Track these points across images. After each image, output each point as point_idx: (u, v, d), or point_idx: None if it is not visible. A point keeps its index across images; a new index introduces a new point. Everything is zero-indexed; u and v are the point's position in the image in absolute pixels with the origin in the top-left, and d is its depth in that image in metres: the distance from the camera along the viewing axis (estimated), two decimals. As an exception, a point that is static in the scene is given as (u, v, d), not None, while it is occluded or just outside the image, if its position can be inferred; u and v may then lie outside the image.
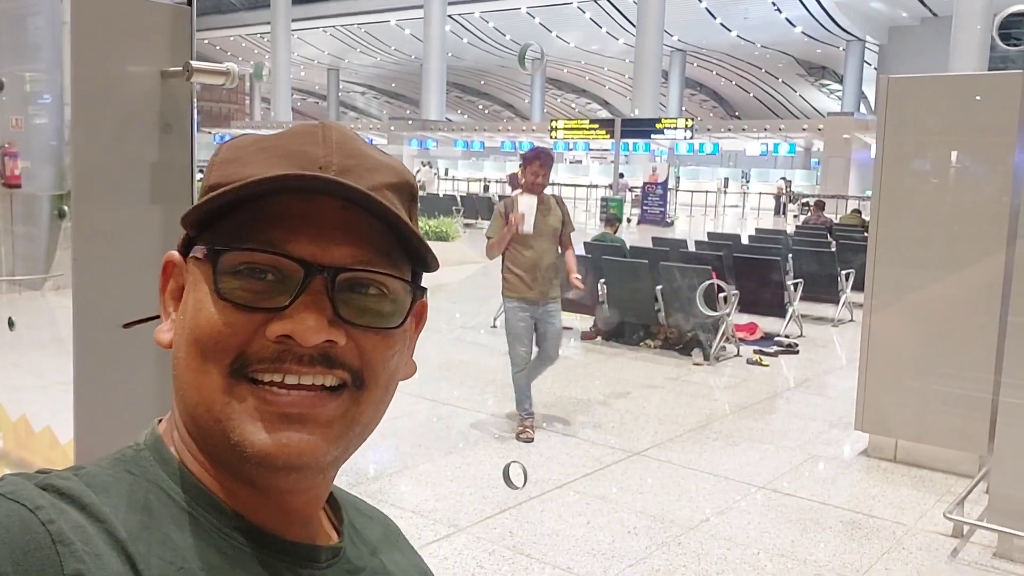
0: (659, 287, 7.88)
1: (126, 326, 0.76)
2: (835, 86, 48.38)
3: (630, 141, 29.52)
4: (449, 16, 41.99)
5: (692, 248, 11.01)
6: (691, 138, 29.15)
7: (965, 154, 4.98)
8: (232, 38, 54.66)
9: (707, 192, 33.51)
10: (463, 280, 12.87)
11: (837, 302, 9.77)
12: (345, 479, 4.24)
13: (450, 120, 48.38)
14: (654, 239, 12.33)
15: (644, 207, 25.20)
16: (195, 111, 1.74)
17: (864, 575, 3.73)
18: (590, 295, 7.98)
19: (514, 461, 4.87)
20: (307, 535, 0.65)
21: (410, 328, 0.67)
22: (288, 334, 0.58)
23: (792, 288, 8.96)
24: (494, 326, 8.76)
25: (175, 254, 0.65)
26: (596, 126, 31.44)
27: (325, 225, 0.60)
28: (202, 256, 0.61)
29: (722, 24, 41.95)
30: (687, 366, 7.52)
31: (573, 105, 61.96)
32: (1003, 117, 4.77)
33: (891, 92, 5.09)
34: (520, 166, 5.33)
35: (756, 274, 8.91)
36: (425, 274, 0.67)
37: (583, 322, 8.79)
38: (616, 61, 48.83)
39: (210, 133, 44.39)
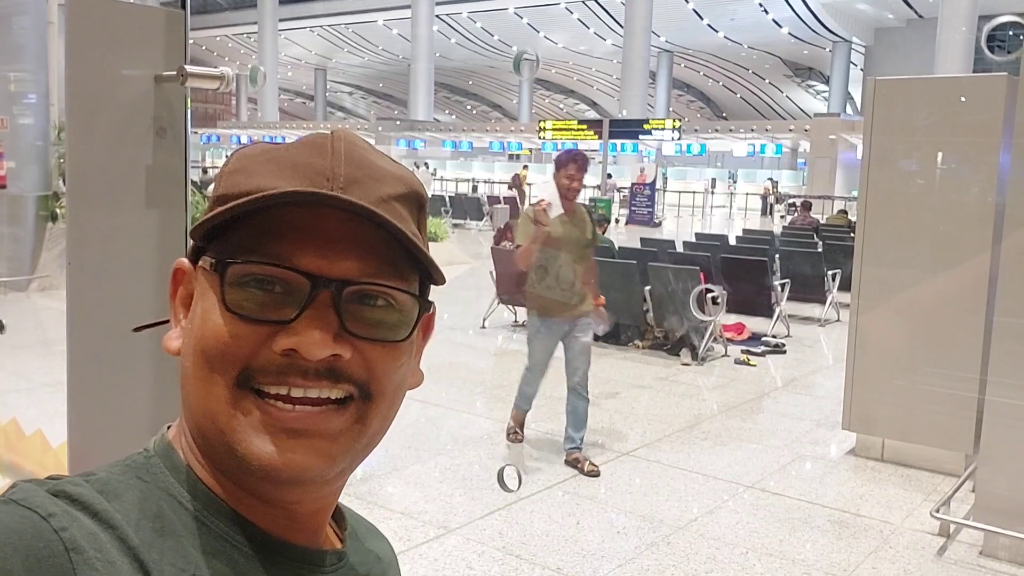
0: (648, 288, 7.90)
1: (136, 330, 0.76)
2: (821, 87, 48.58)
3: (618, 142, 29.56)
4: (437, 16, 41.91)
5: (680, 249, 11.03)
6: (679, 139, 29.17)
7: (951, 155, 5.02)
8: (219, 38, 54.36)
9: (694, 192, 33.58)
10: (452, 281, 12.84)
11: (824, 302, 9.82)
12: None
13: (438, 120, 48.30)
14: (642, 240, 12.35)
15: (632, 207, 25.25)
16: (189, 115, 1.74)
17: (852, 574, 3.75)
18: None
19: (508, 464, 4.88)
20: (313, 540, 0.66)
21: (417, 338, 0.66)
22: (294, 348, 0.58)
23: (779, 288, 9.00)
24: (483, 327, 8.76)
25: (185, 261, 0.65)
26: (584, 127, 31.42)
27: (331, 237, 0.60)
28: (209, 267, 0.61)
29: (709, 25, 42.06)
30: (675, 366, 7.54)
31: (561, 106, 61.99)
32: (988, 118, 4.81)
33: (877, 93, 5.12)
34: (554, 171, 4.83)
35: (744, 274, 8.93)
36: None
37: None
38: (604, 62, 48.88)
39: (196, 133, 44.25)
